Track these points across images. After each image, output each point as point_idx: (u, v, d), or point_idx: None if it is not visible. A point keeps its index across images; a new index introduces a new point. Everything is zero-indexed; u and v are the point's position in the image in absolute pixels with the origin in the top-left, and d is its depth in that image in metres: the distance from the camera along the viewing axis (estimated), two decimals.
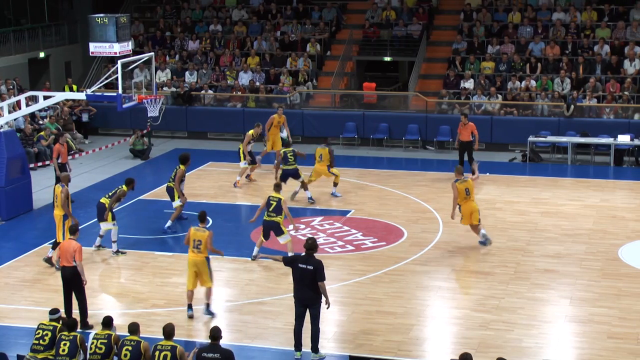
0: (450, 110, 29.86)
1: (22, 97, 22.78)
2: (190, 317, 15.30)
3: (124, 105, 20.63)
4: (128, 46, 21.19)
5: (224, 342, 12.11)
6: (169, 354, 11.66)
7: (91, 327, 14.50)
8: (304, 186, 22.29)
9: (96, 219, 18.89)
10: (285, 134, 26.40)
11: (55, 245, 17.88)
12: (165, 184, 20.77)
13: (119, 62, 20.39)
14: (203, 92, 31.80)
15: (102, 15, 20.71)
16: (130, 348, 11.87)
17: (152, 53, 24.00)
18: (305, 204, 22.21)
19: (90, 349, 12.07)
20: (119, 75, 20.32)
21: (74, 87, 30.99)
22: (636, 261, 18.03)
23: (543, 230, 20.16)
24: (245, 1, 36.09)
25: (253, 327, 15.01)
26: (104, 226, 18.65)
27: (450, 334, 14.85)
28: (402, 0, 34.42)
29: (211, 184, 24.42)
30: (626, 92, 28.63)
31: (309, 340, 13.75)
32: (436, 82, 31.59)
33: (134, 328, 12.08)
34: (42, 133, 27.38)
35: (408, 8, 34.08)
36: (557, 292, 16.49)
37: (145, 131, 28.36)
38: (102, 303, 16.19)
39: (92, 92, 21.61)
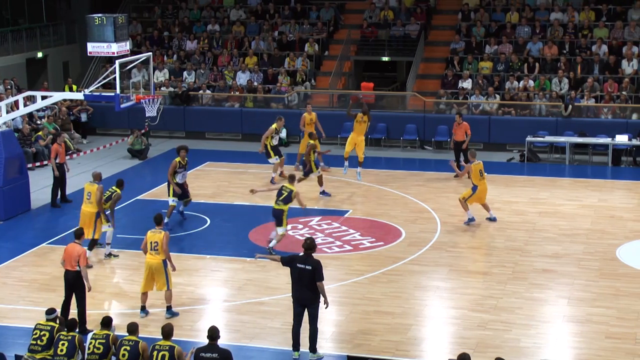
0: (448, 110, 29.87)
1: (20, 97, 22.75)
2: (142, 317, 15.23)
3: (122, 105, 20.60)
4: (126, 46, 21.17)
5: (222, 341, 12.12)
6: (167, 354, 11.66)
7: (90, 332, 14.42)
8: (319, 182, 22.85)
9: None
10: (284, 134, 26.38)
11: (92, 244, 17.94)
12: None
13: (117, 62, 20.37)
14: (201, 92, 31.79)
15: (99, 15, 20.68)
16: (128, 348, 11.87)
17: (150, 53, 23.97)
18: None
19: (89, 349, 12.06)
20: (117, 75, 20.30)
21: (74, 87, 30.97)
22: (634, 261, 18.04)
23: (541, 230, 20.17)
24: (243, 1, 36.08)
25: (251, 327, 15.01)
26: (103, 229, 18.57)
27: (448, 334, 14.85)
28: (400, 0, 34.43)
29: (209, 183, 24.41)
30: (624, 92, 28.65)
31: (307, 340, 13.76)
32: (434, 82, 31.60)
33: (133, 328, 12.08)
34: (40, 133, 27.36)
35: (406, 8, 34.09)
36: (555, 292, 16.50)
37: (143, 131, 28.35)
38: (100, 303, 16.18)
39: (90, 92, 21.59)
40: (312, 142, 23.03)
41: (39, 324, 12.64)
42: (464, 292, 16.55)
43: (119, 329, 12.75)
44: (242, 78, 32.01)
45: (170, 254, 15.38)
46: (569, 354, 14.11)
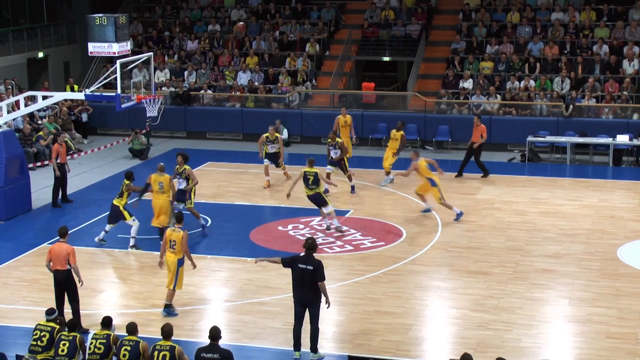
0: (449, 110, 29.87)
1: (21, 97, 22.77)
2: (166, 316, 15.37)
3: (123, 105, 20.62)
4: (127, 46, 21.18)
5: (222, 342, 12.12)
6: (167, 354, 11.66)
7: (86, 331, 14.44)
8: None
9: (94, 219, 18.91)
10: (285, 135, 26.32)
11: (161, 232, 18.32)
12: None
13: (118, 62, 20.38)
14: (202, 92, 31.80)
15: (100, 15, 20.69)
16: (129, 348, 11.88)
17: (151, 53, 23.98)
18: (307, 203, 22.21)
19: (89, 349, 12.07)
20: (118, 75, 20.31)
21: (75, 87, 30.97)
22: (635, 261, 18.04)
23: (542, 230, 20.16)
24: (244, 1, 36.08)
25: (252, 327, 15.01)
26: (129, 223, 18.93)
27: (449, 334, 14.85)
28: (400, 0, 34.43)
29: (210, 183, 24.41)
30: (625, 92, 28.64)
31: (308, 340, 13.76)
32: (435, 82, 31.59)
33: (132, 328, 12.08)
34: (40, 133, 27.37)
35: (407, 8, 34.08)
36: (555, 292, 16.50)
37: (144, 131, 28.35)
38: (100, 303, 16.19)
39: (91, 92, 21.60)
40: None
41: (39, 324, 12.65)
42: (465, 292, 16.55)
43: (119, 329, 12.75)
44: (243, 78, 32.01)
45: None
46: (570, 354, 14.10)
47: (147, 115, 22.17)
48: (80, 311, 14.77)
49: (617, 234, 19.84)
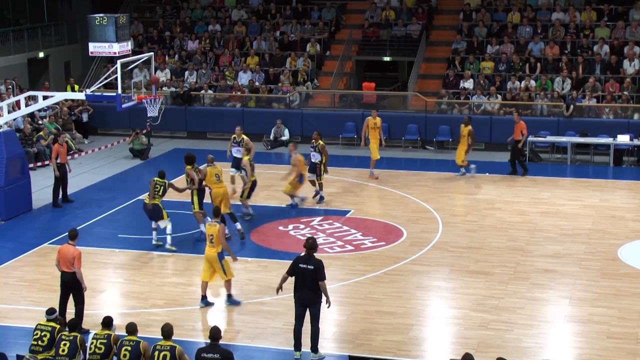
0: (450, 110, 29.86)
1: (21, 97, 22.78)
2: (203, 307, 15.73)
3: (124, 105, 20.62)
4: (127, 46, 21.18)
5: (223, 342, 12.12)
6: (168, 354, 11.66)
7: (86, 331, 14.41)
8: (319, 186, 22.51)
9: (94, 219, 18.88)
10: (286, 135, 26.24)
11: (232, 217, 19.17)
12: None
13: (118, 62, 20.39)
14: (202, 92, 31.79)
15: (101, 15, 20.70)
16: (129, 348, 11.87)
17: (152, 53, 23.99)
18: (307, 203, 22.21)
19: (90, 349, 12.06)
20: (119, 75, 20.32)
21: (76, 87, 30.97)
22: (635, 261, 18.03)
23: (542, 230, 20.16)
24: (244, 1, 36.09)
25: (253, 327, 15.01)
26: (162, 224, 18.92)
27: (450, 334, 14.85)
28: (401, 0, 34.43)
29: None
30: (625, 92, 28.63)
31: (308, 340, 13.76)
32: (435, 82, 31.58)
33: (131, 328, 12.07)
34: (41, 133, 27.37)
35: (407, 8, 34.08)
36: (556, 292, 16.50)
37: (145, 131, 28.35)
38: (101, 303, 16.19)
39: (92, 92, 21.61)
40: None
41: (40, 324, 12.64)
42: (466, 292, 16.55)
43: (120, 329, 12.74)
44: (244, 78, 32.01)
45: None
46: (571, 354, 14.10)
47: (148, 115, 22.17)
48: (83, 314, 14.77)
49: (618, 234, 19.84)
